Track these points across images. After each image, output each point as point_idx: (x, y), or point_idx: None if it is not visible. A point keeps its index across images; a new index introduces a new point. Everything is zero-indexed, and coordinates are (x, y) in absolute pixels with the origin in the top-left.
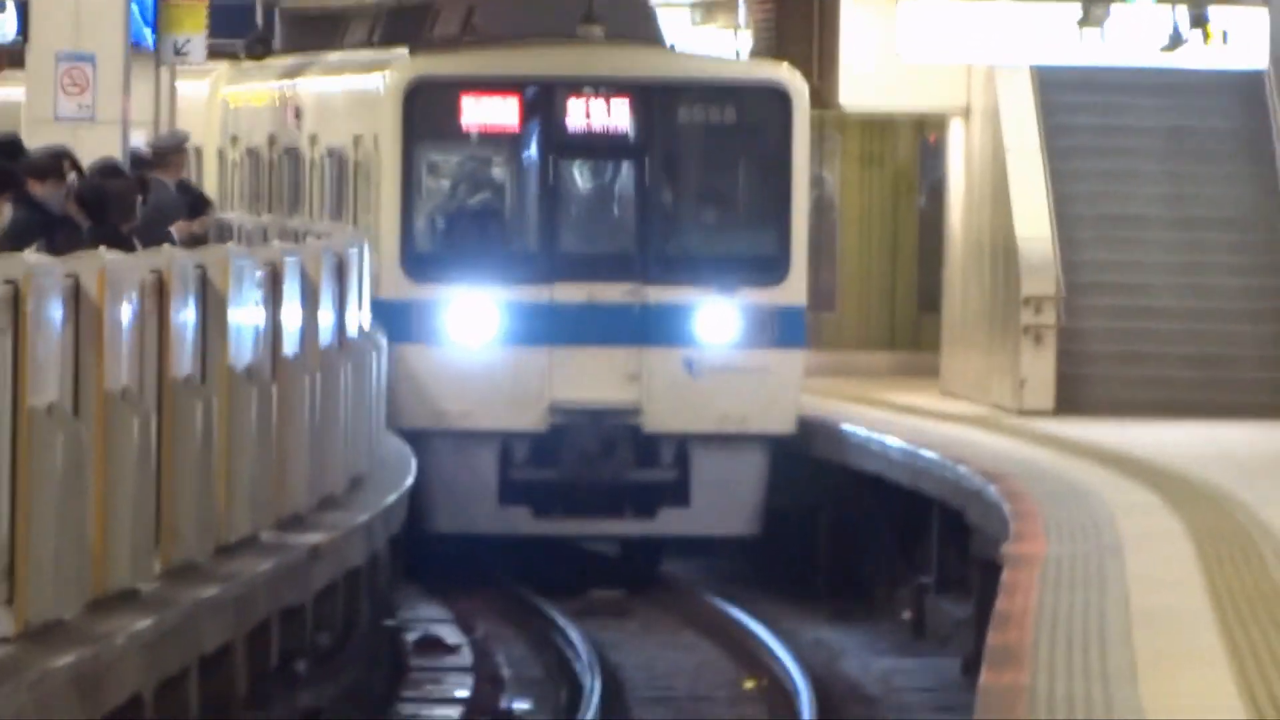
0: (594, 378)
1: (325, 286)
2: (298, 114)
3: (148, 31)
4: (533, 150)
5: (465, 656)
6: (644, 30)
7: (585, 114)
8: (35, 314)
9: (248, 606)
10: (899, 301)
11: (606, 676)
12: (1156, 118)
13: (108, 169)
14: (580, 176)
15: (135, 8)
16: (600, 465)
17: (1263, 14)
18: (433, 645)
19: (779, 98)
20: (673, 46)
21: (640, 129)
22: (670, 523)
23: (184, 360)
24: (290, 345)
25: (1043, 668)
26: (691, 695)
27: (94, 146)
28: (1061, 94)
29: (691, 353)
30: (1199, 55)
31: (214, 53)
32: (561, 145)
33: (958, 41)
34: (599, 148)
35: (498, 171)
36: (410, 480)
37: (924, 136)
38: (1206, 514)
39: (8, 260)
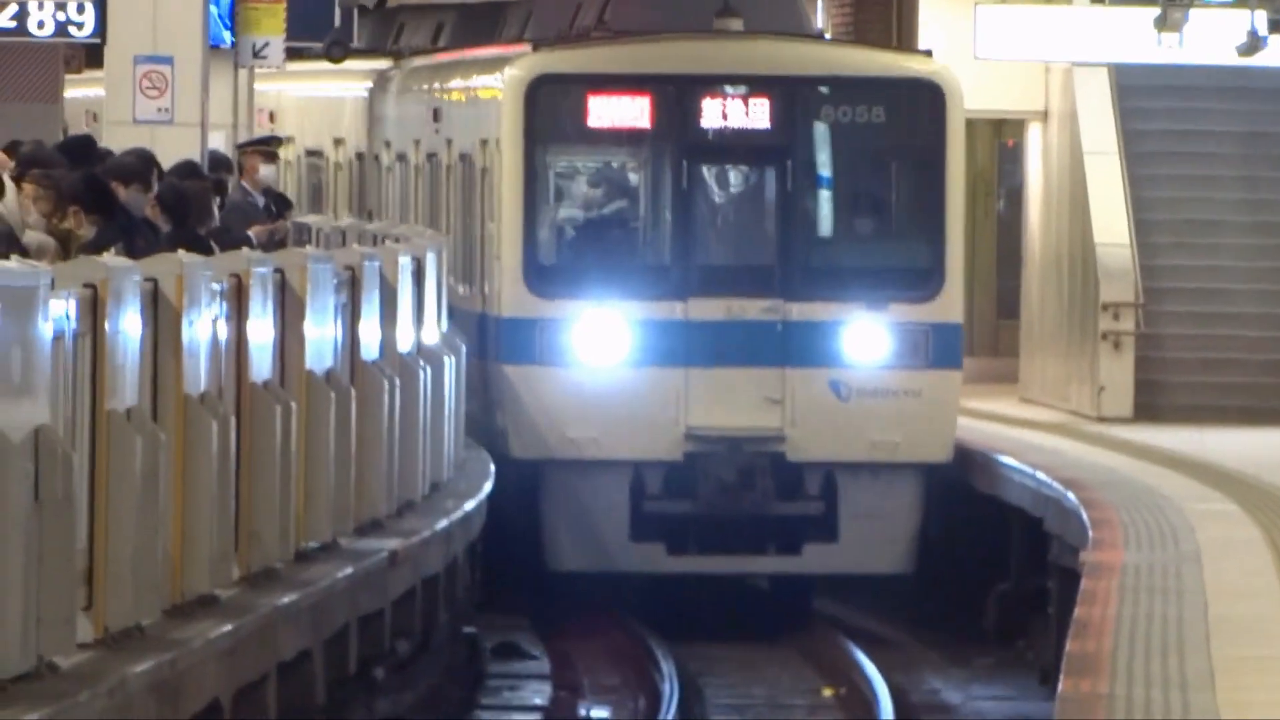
0: (733, 402)
1: (403, 291)
2: (436, 116)
3: (226, 34)
4: (665, 154)
5: (543, 664)
6: (788, 21)
7: (722, 114)
8: (114, 317)
9: (326, 613)
10: (978, 307)
11: (685, 682)
12: (1234, 121)
13: (186, 170)
14: (717, 182)
15: (214, 9)
16: (740, 497)
17: None
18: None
19: (933, 94)
20: (822, 36)
21: (782, 130)
22: (817, 559)
23: (263, 364)
24: (369, 350)
25: (1121, 676)
26: (770, 703)
27: (173, 148)
28: (1139, 97)
29: (839, 374)
30: (1277, 58)
31: (292, 54)
32: (696, 148)
33: (1034, 42)
34: (737, 151)
35: (628, 177)
36: (488, 486)
37: (1002, 140)
38: None
39: (87, 264)
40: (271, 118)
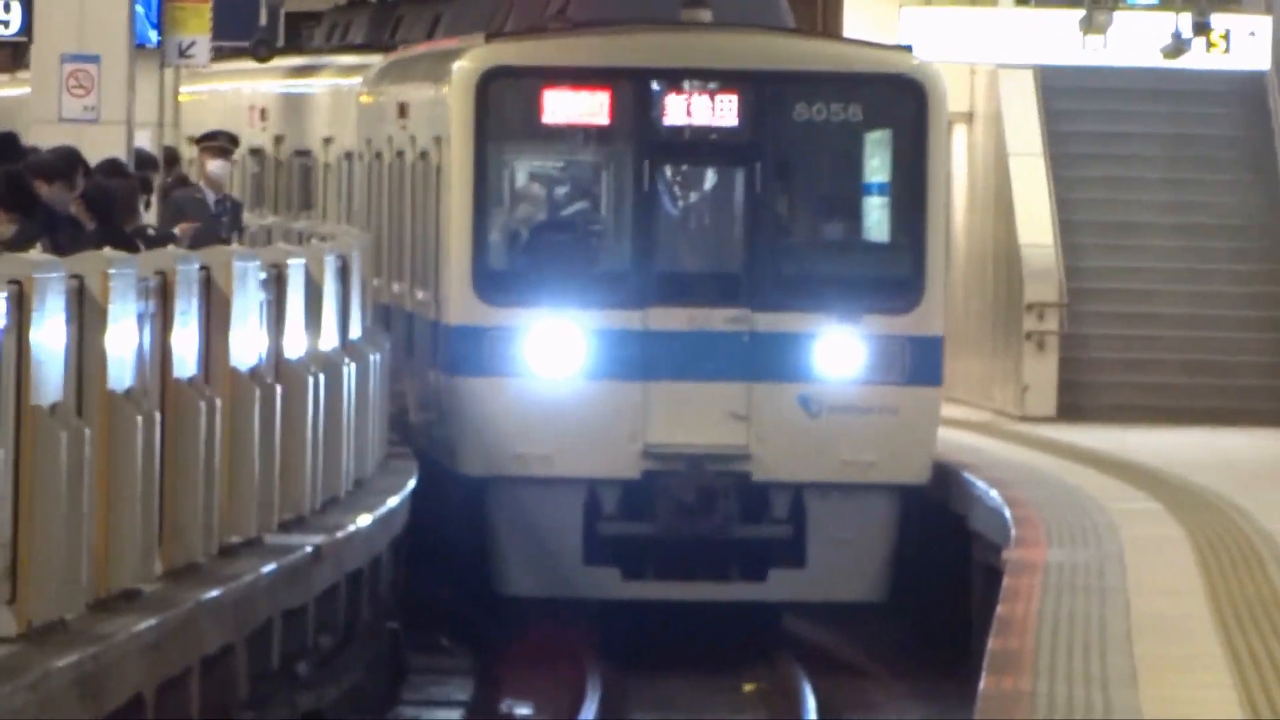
0: (695, 418)
1: (328, 289)
2: (402, 112)
3: (153, 33)
4: (625, 153)
5: (467, 660)
6: (763, 13)
7: (686, 110)
8: (39, 314)
9: (249, 608)
10: None
11: (607, 682)
12: (1159, 124)
13: (111, 169)
14: (681, 183)
15: (140, 9)
16: (701, 519)
17: (1266, 20)
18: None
19: (913, 92)
20: (798, 30)
21: (751, 128)
22: (783, 587)
23: (189, 361)
24: (294, 347)
25: (1043, 673)
26: (692, 700)
27: (100, 147)
28: (1064, 99)
29: (809, 389)
30: (1201, 60)
31: (219, 54)
32: (659, 147)
33: (959, 44)
34: (702, 150)
35: (585, 177)
36: (412, 483)
37: None
38: (1207, 520)
39: (12, 260)
40: (264, 115)
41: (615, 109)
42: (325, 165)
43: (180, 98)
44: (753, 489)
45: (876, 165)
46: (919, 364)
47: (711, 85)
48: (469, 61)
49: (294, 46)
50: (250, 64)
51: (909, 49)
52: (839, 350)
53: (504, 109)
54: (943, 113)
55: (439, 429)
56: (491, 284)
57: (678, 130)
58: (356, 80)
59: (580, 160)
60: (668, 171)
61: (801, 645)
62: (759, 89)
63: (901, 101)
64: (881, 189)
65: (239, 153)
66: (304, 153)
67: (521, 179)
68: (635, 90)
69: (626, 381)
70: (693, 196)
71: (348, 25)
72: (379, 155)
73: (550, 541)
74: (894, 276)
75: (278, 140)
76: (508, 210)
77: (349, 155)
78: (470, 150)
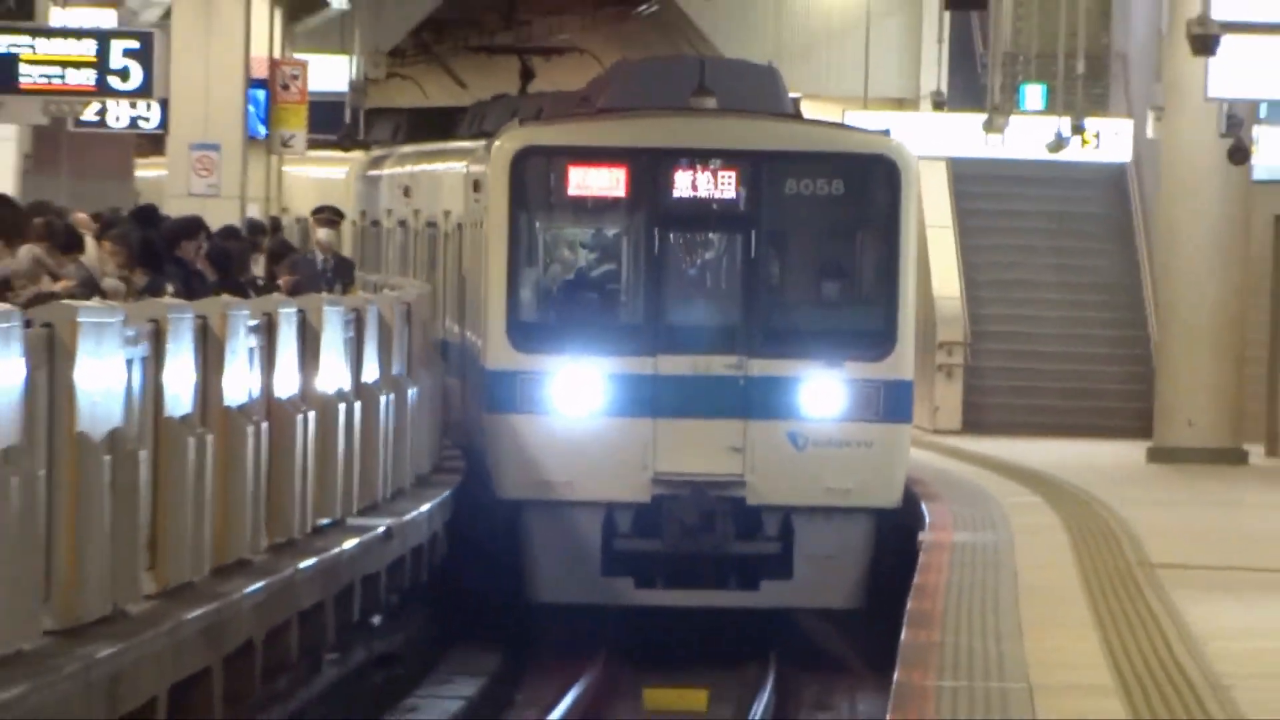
0: (697, 449)
1: (398, 328)
2: (476, 187)
3: (261, 127)
4: (639, 220)
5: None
6: (764, 100)
7: (692, 185)
8: (173, 345)
9: (335, 573)
10: None
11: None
12: (1044, 203)
13: (228, 233)
14: (686, 248)
15: (252, 108)
16: (702, 537)
17: (1128, 123)
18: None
19: (888, 169)
20: (797, 115)
21: (747, 200)
22: (773, 595)
23: (287, 383)
24: (370, 373)
25: (950, 628)
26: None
27: (219, 216)
28: (970, 184)
29: (796, 426)
30: (1077, 154)
31: (313, 144)
32: (668, 216)
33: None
34: (705, 218)
35: (604, 242)
36: (460, 479)
37: None
38: (1077, 511)
39: (152, 304)
40: (407, 192)
41: (631, 183)
42: (445, 234)
43: (355, 180)
44: (747, 511)
45: (856, 232)
46: (892, 404)
47: (713, 163)
48: (505, 142)
49: (435, 134)
50: (403, 149)
51: (887, 133)
52: (822, 392)
53: (534, 183)
54: (915, 187)
55: (483, 458)
56: (523, 334)
57: (684, 202)
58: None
59: (600, 227)
60: (675, 237)
61: (791, 647)
62: (754, 166)
63: (879, 177)
64: (860, 253)
65: (385, 220)
66: (432, 224)
67: (550, 243)
68: (648, 167)
69: (639, 418)
70: (697, 259)
71: (482, 116)
72: (460, 225)
73: (574, 555)
74: (870, 329)
75: (416, 213)
76: (538, 270)
77: (460, 226)
78: (505, 218)
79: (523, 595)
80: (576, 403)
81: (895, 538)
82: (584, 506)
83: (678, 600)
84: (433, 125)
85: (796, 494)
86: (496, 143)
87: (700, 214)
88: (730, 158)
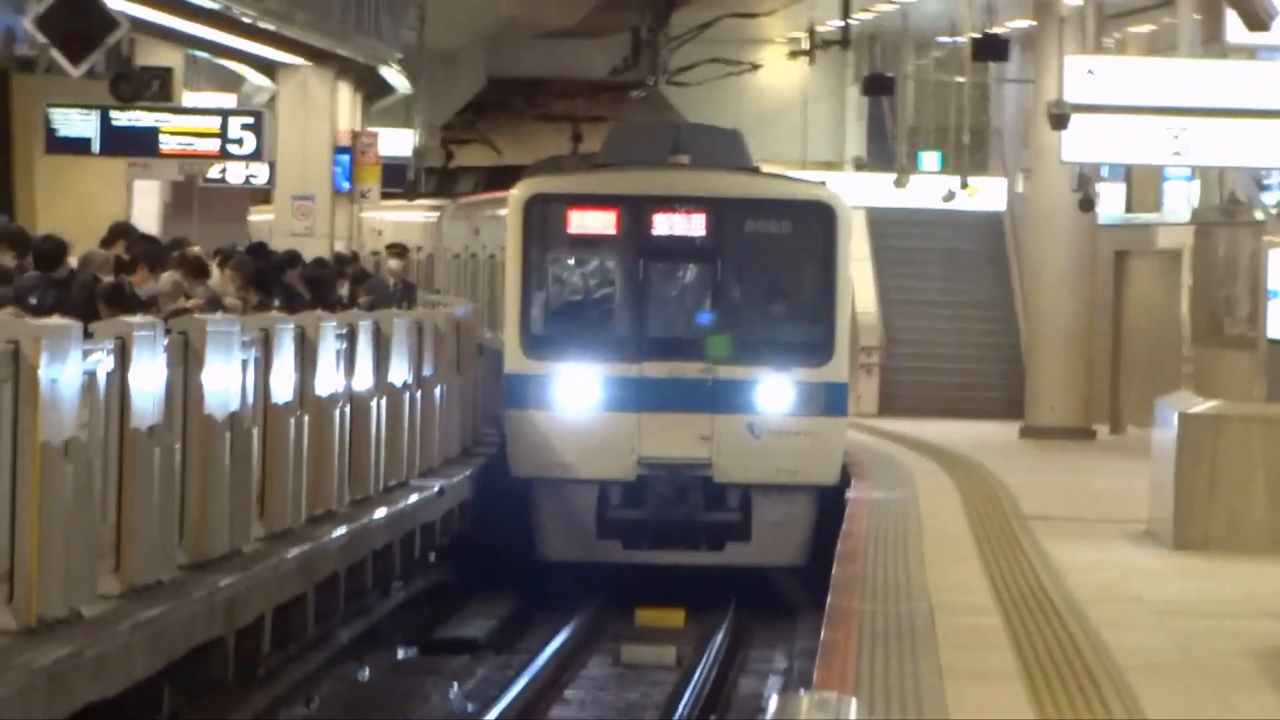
0: (674, 438)
1: (448, 336)
2: (484, 229)
3: (345, 183)
4: (627, 253)
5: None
6: (731, 157)
7: (669, 225)
8: (278, 350)
9: (400, 522)
10: None
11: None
12: (938, 241)
13: (320, 263)
14: (665, 275)
15: (338, 169)
16: (678, 508)
17: (1003, 180)
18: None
19: (824, 212)
20: (756, 169)
21: (713, 237)
22: (735, 554)
23: (363, 379)
24: (428, 368)
25: (870, 562)
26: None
27: (313, 250)
28: (884, 226)
29: (754, 419)
30: (964, 204)
31: (385, 195)
32: (650, 249)
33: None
34: (680, 252)
35: (599, 270)
36: (493, 452)
37: None
38: (966, 474)
39: (261, 318)
40: (477, 232)
41: (620, 223)
42: (500, 264)
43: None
44: (714, 487)
45: (800, 263)
46: (831, 401)
47: (686, 208)
48: (519, 190)
49: (506, 186)
50: (475, 198)
51: (824, 184)
52: (775, 391)
53: (542, 223)
54: (848, 227)
55: (504, 445)
56: (533, 345)
57: (663, 239)
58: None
59: (596, 259)
60: (656, 267)
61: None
62: (719, 210)
63: (819, 219)
64: (804, 280)
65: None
66: (493, 256)
67: (555, 271)
68: (634, 210)
69: (627, 413)
70: (673, 284)
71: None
72: (493, 256)
73: (574, 523)
74: (813, 340)
75: (484, 247)
76: (546, 293)
77: (492, 256)
78: (519, 251)
79: (534, 555)
80: (576, 400)
81: (834, 508)
82: (582, 483)
83: (658, 559)
84: (507, 179)
85: (754, 473)
86: (513, 191)
87: (676, 248)
88: (699, 203)
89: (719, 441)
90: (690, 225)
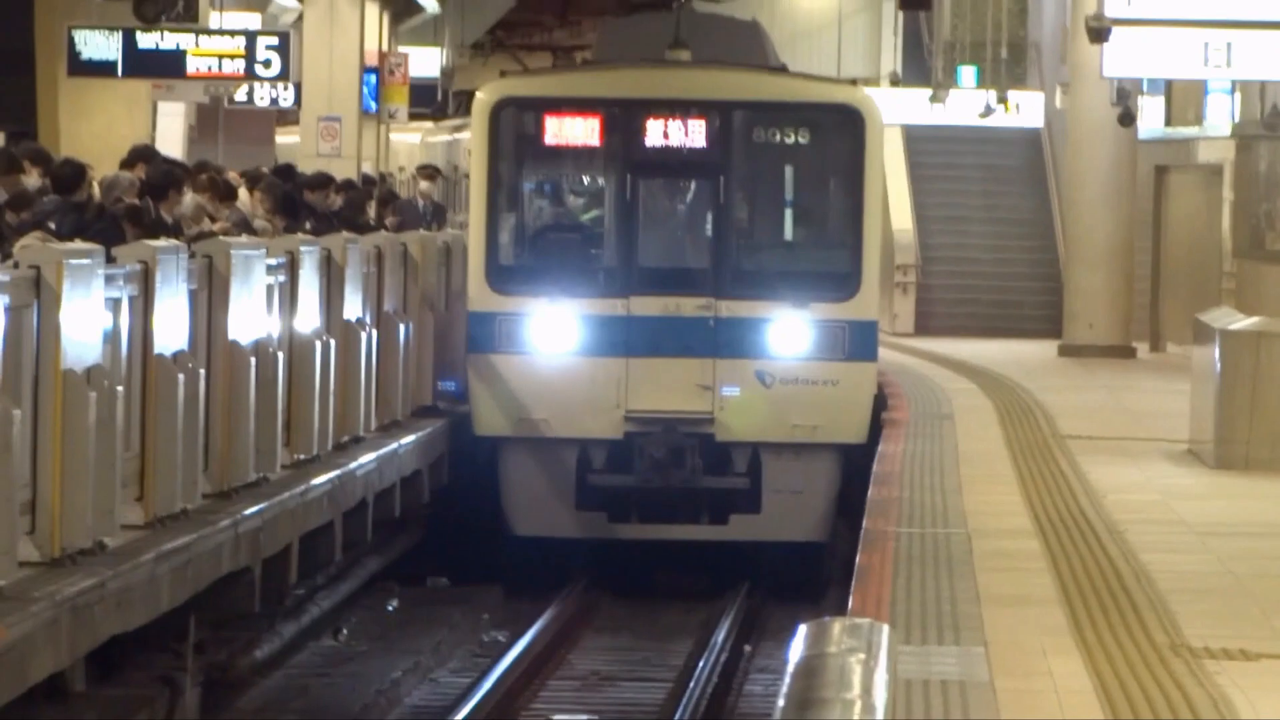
0: (668, 388)
1: (430, 265)
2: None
3: (373, 103)
4: (612, 168)
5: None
6: (746, 54)
7: (663, 134)
8: (304, 272)
9: (430, 447)
10: None
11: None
12: (976, 157)
13: (348, 184)
14: (658, 194)
15: (365, 88)
16: (673, 472)
17: (1041, 95)
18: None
19: (852, 118)
20: (781, 68)
21: (716, 148)
22: (741, 529)
23: (355, 305)
24: (391, 301)
25: (907, 484)
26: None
27: (340, 171)
28: (920, 143)
29: (763, 365)
30: (1002, 120)
31: (412, 115)
32: (640, 164)
33: None
34: (676, 166)
35: (579, 189)
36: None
37: None
38: (1004, 394)
39: (287, 240)
40: (470, 153)
41: (604, 133)
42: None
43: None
44: (716, 448)
45: (822, 179)
46: (857, 343)
47: (684, 113)
48: (484, 94)
49: None
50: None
51: (854, 82)
52: (789, 332)
53: (512, 132)
54: (879, 136)
55: (466, 397)
56: (502, 277)
57: (656, 150)
58: None
59: (575, 175)
60: (647, 184)
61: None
62: (724, 116)
63: (844, 126)
64: (826, 198)
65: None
66: (466, 176)
67: (527, 190)
68: (621, 117)
69: (612, 358)
70: (668, 205)
71: None
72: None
73: (549, 491)
74: (837, 271)
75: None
76: (516, 216)
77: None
78: (485, 166)
79: (501, 529)
80: (552, 343)
81: (861, 472)
82: (559, 443)
83: (649, 534)
84: None
85: (765, 431)
86: (478, 94)
87: (671, 162)
88: (700, 108)
89: (722, 392)
90: (689, 134)
